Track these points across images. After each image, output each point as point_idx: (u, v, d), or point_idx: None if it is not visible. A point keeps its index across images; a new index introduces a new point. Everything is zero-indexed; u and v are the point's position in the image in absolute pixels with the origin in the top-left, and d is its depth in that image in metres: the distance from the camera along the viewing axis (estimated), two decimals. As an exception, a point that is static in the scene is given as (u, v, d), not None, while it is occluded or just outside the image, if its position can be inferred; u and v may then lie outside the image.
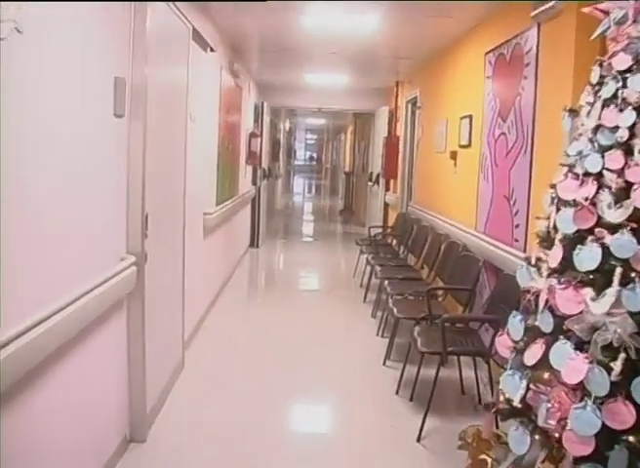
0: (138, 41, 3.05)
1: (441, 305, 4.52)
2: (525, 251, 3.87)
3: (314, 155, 43.70)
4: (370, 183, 10.88)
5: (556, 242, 2.53)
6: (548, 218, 2.67)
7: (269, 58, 7.56)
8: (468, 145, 5.25)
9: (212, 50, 5.26)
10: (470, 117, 5.20)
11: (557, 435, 2.17)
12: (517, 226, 4.03)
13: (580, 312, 2.29)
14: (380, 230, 8.58)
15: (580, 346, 2.28)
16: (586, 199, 2.36)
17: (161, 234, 3.66)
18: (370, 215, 11.21)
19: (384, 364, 4.68)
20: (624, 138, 2.18)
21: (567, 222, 2.44)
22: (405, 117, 8.76)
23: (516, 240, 4.04)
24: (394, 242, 7.62)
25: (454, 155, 5.67)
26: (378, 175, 10.03)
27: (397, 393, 4.13)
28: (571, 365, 2.28)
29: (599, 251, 2.13)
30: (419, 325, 4.00)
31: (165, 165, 3.75)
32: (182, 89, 4.13)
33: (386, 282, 5.21)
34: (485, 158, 4.77)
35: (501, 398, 2.80)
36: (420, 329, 3.86)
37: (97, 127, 2.67)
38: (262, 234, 10.24)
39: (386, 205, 9.91)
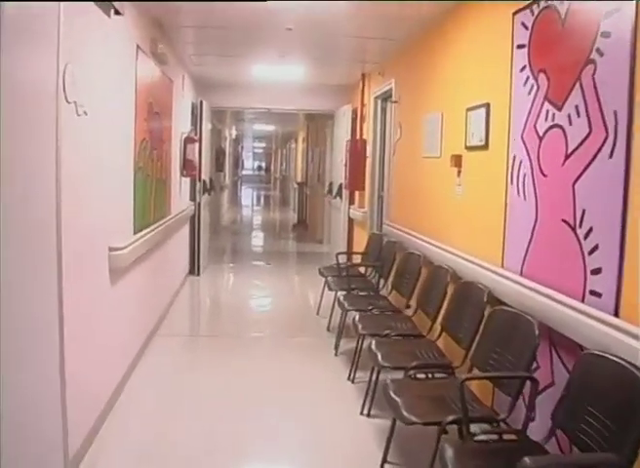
0: None
1: (469, 392, 2.97)
2: (617, 313, 2.38)
3: (262, 164, 42.23)
4: (329, 196, 9.34)
5: None
6: None
7: (208, 38, 5.90)
8: (484, 146, 3.75)
9: (117, 12, 3.63)
10: (486, 106, 3.70)
11: None
12: (597, 272, 2.53)
13: None
14: (348, 257, 7.04)
15: None
16: None
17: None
18: (331, 232, 9.68)
19: (381, 470, 3.13)
20: None
21: None
22: (373, 116, 7.26)
23: (595, 293, 2.53)
24: (368, 271, 6.07)
25: (457, 161, 4.17)
26: (340, 187, 8.49)
27: None
28: None
29: None
30: (445, 434, 2.47)
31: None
32: (47, 61, 2.51)
33: (373, 343, 3.64)
34: (519, 164, 3.27)
35: None
36: (452, 449, 2.30)
37: None
38: (204, 258, 8.58)
39: (351, 220, 8.39)
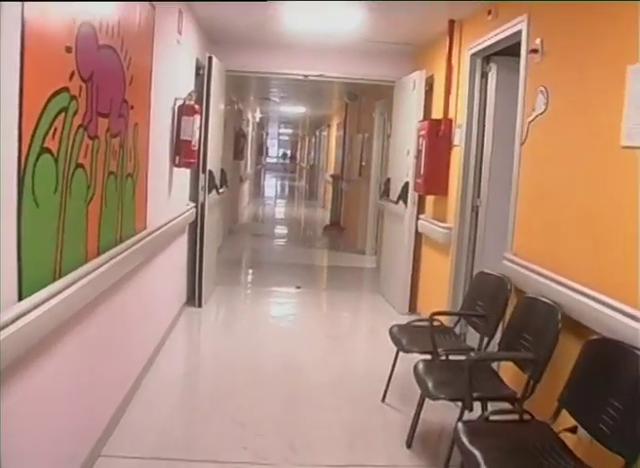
0: None
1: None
2: None
3: (287, 152, 39.91)
4: (386, 198, 6.78)
5: None
6: None
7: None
8: None
9: None
10: None
11: None
12: None
13: None
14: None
15: None
16: None
17: None
18: (385, 248, 7.19)
19: None
20: None
21: None
22: (469, 84, 4.74)
23: None
24: (467, 326, 3.54)
25: None
26: (404, 187, 5.97)
27: None
28: None
29: None
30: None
31: None
32: None
33: None
34: None
35: None
36: None
37: None
38: (209, 280, 6.13)
39: (418, 234, 5.88)
